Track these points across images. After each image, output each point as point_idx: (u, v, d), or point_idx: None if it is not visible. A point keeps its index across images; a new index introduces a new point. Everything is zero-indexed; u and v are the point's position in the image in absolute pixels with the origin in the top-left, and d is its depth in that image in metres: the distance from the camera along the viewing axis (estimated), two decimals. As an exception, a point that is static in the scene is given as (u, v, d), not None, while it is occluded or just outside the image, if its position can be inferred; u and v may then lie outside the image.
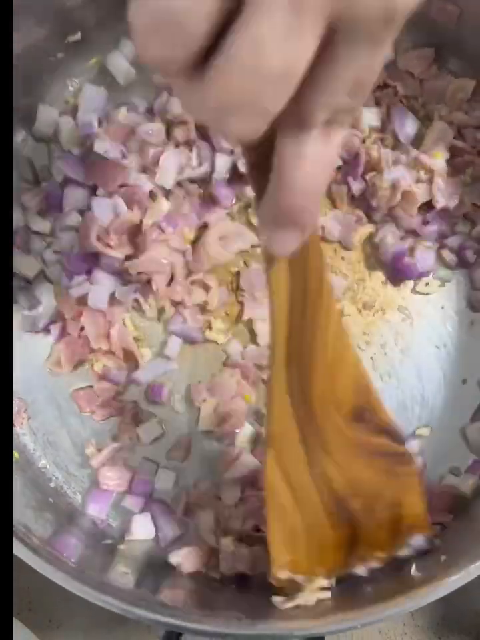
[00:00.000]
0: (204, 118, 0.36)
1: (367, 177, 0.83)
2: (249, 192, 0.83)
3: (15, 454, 0.82)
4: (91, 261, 0.83)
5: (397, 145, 0.85)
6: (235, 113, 0.34)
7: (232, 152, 0.83)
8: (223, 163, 0.83)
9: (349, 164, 0.84)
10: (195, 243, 0.84)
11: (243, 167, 0.81)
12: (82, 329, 0.82)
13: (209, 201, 0.84)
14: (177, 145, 0.83)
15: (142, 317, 0.85)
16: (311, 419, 0.62)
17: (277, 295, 0.56)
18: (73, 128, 0.85)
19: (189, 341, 0.85)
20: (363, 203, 0.86)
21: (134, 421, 0.83)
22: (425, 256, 0.84)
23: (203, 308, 0.84)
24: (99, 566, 0.75)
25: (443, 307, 0.86)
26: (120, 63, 0.86)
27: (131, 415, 0.83)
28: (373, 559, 0.70)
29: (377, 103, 0.86)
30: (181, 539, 0.81)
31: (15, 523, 0.69)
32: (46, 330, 0.84)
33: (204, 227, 0.84)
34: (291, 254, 0.47)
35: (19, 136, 0.86)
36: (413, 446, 0.82)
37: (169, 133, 0.84)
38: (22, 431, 0.84)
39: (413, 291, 0.86)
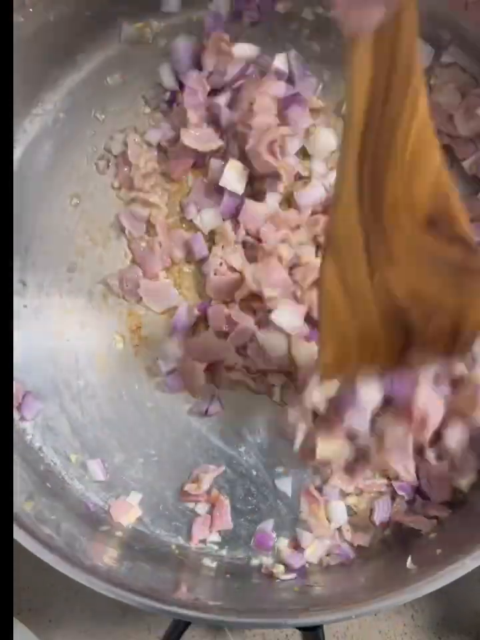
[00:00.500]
0: None
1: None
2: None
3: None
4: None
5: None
6: None
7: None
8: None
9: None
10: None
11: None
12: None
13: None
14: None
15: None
16: (379, 226, 0.57)
17: (358, 77, 0.49)
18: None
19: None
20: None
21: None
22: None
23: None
24: (96, 552, 0.76)
25: None
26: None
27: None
28: (429, 360, 0.65)
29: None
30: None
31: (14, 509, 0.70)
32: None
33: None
34: (373, 29, 0.42)
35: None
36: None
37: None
38: (20, 415, 0.85)
39: None
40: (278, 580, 0.79)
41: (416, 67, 0.50)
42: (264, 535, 0.83)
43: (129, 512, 0.83)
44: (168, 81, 0.88)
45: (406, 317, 0.62)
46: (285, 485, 0.83)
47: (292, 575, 0.79)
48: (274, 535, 0.83)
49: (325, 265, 0.60)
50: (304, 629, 0.86)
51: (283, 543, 0.82)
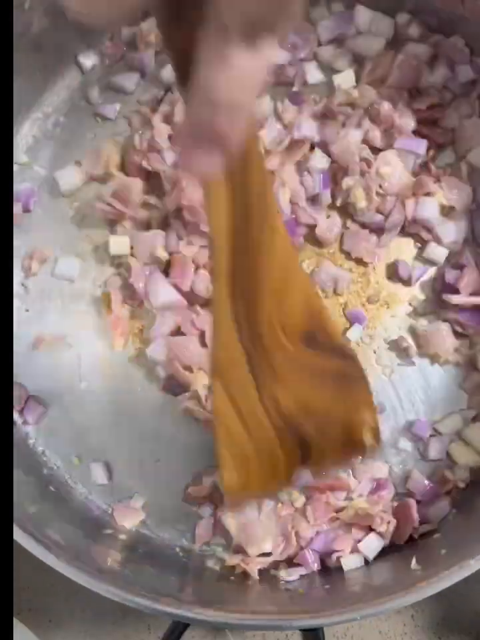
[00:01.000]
0: None
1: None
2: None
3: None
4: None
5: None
6: None
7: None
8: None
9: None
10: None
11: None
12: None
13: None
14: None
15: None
16: (258, 346, 0.59)
17: (215, 215, 0.52)
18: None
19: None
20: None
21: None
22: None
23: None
24: (99, 556, 0.76)
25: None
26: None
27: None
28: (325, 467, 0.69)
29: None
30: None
31: (15, 511, 0.70)
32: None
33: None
34: (212, 174, 0.44)
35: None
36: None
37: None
38: (23, 419, 0.85)
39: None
40: (282, 582, 0.79)
41: (269, 198, 0.53)
42: None
43: (132, 515, 0.83)
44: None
45: (300, 432, 0.64)
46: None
47: (295, 577, 0.79)
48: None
49: (214, 390, 0.62)
50: (305, 630, 0.87)
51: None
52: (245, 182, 0.51)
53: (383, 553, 0.79)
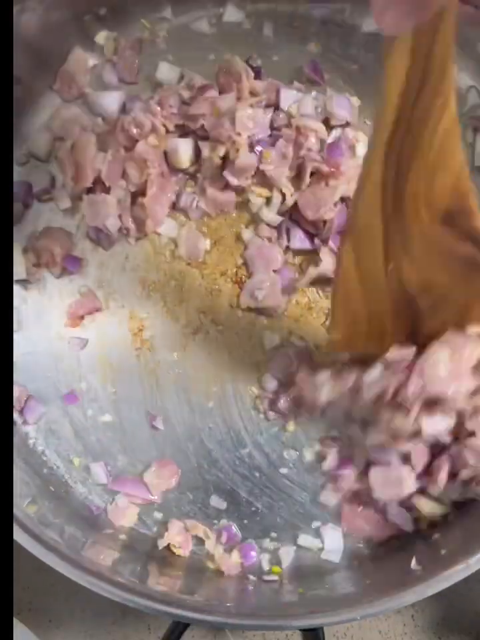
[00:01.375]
0: None
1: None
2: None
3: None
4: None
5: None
6: None
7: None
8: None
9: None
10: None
11: None
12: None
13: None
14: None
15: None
16: (399, 216, 0.60)
17: (393, 73, 0.51)
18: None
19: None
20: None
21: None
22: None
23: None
24: (99, 555, 0.76)
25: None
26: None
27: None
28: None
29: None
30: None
31: (15, 510, 0.70)
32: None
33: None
34: (403, 27, 0.43)
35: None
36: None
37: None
38: (23, 419, 0.85)
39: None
40: (284, 582, 0.79)
41: (449, 71, 0.52)
42: (246, 545, 0.83)
43: (126, 514, 0.83)
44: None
45: (415, 307, 0.65)
46: (288, 487, 0.84)
47: (291, 577, 0.79)
48: (255, 546, 0.82)
49: (343, 252, 0.63)
50: (305, 629, 0.87)
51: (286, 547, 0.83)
52: (431, 47, 0.50)
53: (384, 553, 0.79)
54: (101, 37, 0.88)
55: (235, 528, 0.83)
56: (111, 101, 0.86)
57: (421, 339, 0.67)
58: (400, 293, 0.65)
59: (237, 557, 0.81)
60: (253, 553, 0.82)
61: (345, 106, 0.85)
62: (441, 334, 0.66)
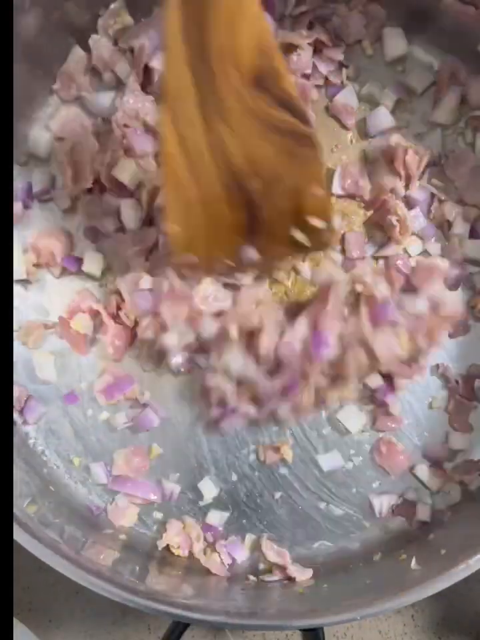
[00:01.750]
0: None
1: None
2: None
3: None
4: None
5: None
6: None
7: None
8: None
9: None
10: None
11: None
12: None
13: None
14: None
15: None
16: (209, 78, 0.58)
17: None
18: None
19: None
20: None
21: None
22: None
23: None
24: (99, 555, 0.75)
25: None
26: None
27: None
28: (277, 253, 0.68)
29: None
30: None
31: (15, 510, 0.70)
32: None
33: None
34: None
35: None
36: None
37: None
38: (23, 419, 0.85)
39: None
40: (286, 582, 0.79)
41: None
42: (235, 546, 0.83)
43: (125, 514, 0.83)
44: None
45: (247, 186, 0.63)
46: (288, 486, 0.84)
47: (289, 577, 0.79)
48: (244, 546, 0.83)
49: (163, 127, 0.60)
50: (305, 629, 0.87)
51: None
52: None
53: (384, 553, 0.79)
54: (101, 37, 0.87)
55: (234, 528, 0.83)
56: (106, 101, 0.86)
57: (262, 240, 0.66)
58: (229, 174, 0.63)
59: (236, 558, 0.82)
60: (252, 553, 0.82)
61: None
62: (279, 231, 0.64)
